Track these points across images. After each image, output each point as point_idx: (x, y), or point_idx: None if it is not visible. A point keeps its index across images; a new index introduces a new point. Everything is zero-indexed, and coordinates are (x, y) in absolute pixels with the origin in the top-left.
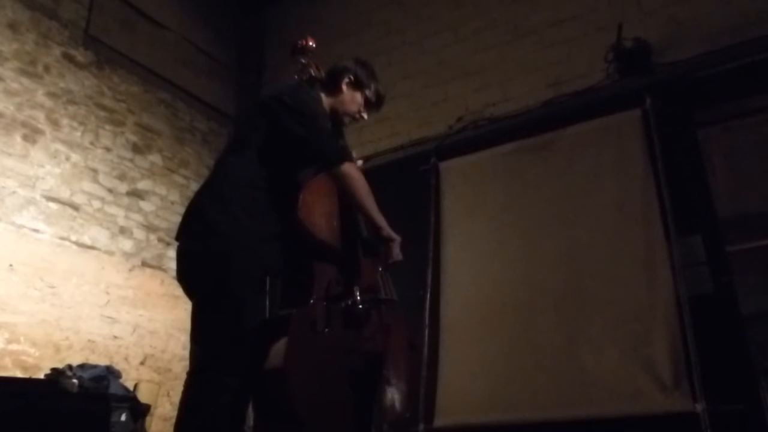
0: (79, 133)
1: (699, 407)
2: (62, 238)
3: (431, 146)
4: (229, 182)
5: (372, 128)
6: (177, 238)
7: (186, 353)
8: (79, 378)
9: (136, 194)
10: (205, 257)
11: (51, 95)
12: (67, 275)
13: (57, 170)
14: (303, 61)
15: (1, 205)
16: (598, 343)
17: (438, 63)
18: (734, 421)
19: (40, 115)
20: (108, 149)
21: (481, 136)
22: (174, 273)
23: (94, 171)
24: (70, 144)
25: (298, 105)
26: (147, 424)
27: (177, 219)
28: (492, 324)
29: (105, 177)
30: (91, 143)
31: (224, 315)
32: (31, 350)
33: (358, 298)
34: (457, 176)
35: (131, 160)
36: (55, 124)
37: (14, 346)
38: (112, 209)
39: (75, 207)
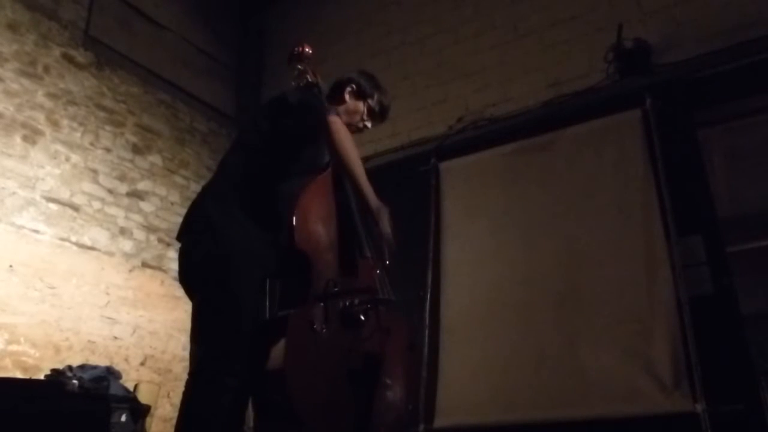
0: (79, 134)
1: (699, 407)
2: (62, 239)
3: (431, 146)
4: (231, 183)
5: (372, 128)
6: (178, 238)
7: (186, 354)
8: (79, 379)
9: (136, 195)
10: (206, 258)
11: (51, 96)
12: (67, 276)
13: (57, 171)
14: (300, 67)
15: (1, 206)
16: (598, 343)
17: (438, 63)
18: (734, 421)
19: (40, 116)
20: (108, 150)
21: (481, 137)
22: (174, 274)
23: (94, 172)
24: (70, 145)
25: (299, 99)
26: (147, 424)
27: (177, 220)
28: (492, 324)
29: (105, 178)
30: (91, 144)
31: (224, 316)
32: (32, 351)
33: (356, 299)
34: (457, 177)
35: (131, 161)
36: (55, 124)
37: (14, 347)
38: (112, 210)
39: (75, 208)
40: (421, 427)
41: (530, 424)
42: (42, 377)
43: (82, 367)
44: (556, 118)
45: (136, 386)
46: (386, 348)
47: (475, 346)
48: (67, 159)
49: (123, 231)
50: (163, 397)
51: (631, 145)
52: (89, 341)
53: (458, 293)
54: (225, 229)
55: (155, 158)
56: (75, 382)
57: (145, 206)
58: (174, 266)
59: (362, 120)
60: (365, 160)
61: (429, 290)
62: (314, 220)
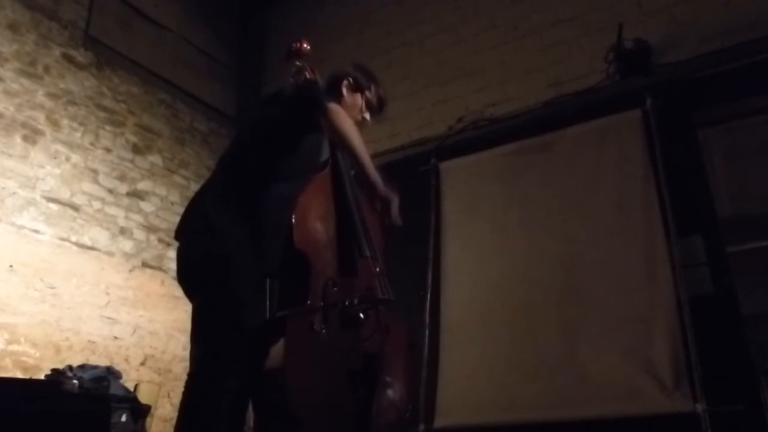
0: (79, 134)
1: (699, 407)
2: (62, 239)
3: (431, 147)
4: (230, 182)
5: (372, 128)
6: (176, 237)
7: (186, 354)
8: (80, 379)
9: (136, 195)
10: (206, 258)
11: (51, 96)
12: (68, 276)
13: (57, 171)
14: (298, 63)
15: (2, 206)
16: (598, 343)
17: (438, 63)
18: (735, 421)
19: (40, 116)
20: (108, 150)
21: (481, 137)
22: (174, 273)
23: (95, 172)
24: (70, 145)
25: (294, 91)
26: (147, 424)
27: (177, 220)
28: (492, 324)
29: (105, 178)
30: (91, 144)
31: (224, 316)
32: (32, 351)
33: (355, 299)
34: (457, 177)
35: (131, 161)
36: (55, 124)
37: (14, 347)
38: (112, 210)
39: (75, 208)
40: (421, 427)
41: (530, 424)
42: (42, 377)
43: (82, 367)
44: (557, 118)
45: (136, 386)
46: (386, 348)
47: (475, 346)
48: (68, 159)
49: (123, 231)
50: (164, 397)
51: (632, 146)
52: (89, 341)
53: (458, 293)
54: (224, 229)
55: (155, 158)
56: (75, 382)
57: (145, 206)
58: (174, 266)
59: (361, 113)
60: None
61: (429, 290)
62: (313, 220)
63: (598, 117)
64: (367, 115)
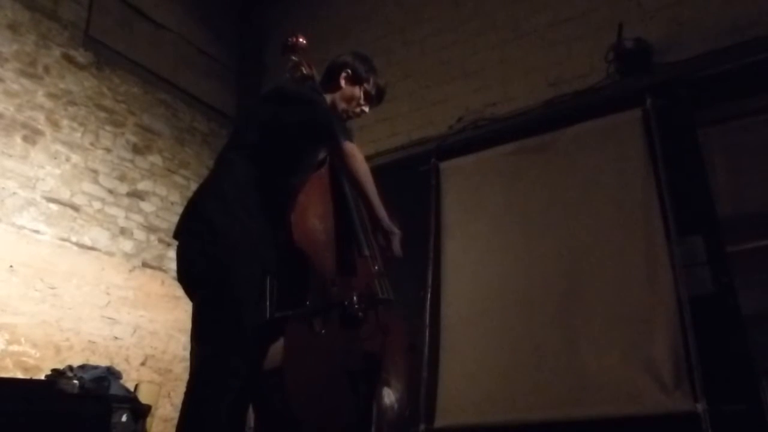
0: (79, 134)
1: (700, 407)
2: (63, 239)
3: (431, 146)
4: (229, 181)
5: (372, 128)
6: (175, 236)
7: (186, 354)
8: (80, 379)
9: (136, 195)
10: (206, 257)
11: (51, 96)
12: (68, 276)
13: (57, 171)
14: (294, 58)
15: (2, 207)
16: (598, 343)
17: (438, 63)
18: (735, 421)
19: (40, 116)
20: (108, 150)
21: (481, 136)
22: (174, 274)
23: (95, 172)
24: (70, 145)
25: (300, 95)
26: (148, 424)
27: (177, 220)
28: (493, 324)
29: (105, 178)
30: (92, 144)
31: (225, 316)
32: (32, 351)
33: (355, 298)
34: (457, 176)
35: (131, 161)
36: (55, 125)
37: (15, 347)
38: (113, 210)
39: (75, 208)
40: (422, 426)
41: (531, 424)
42: (43, 377)
43: (82, 367)
44: (557, 117)
45: (136, 386)
46: (385, 347)
47: (476, 346)
48: (68, 159)
49: (123, 231)
50: (164, 397)
51: (632, 145)
52: (90, 341)
53: (459, 293)
54: (225, 228)
55: (155, 158)
56: (75, 382)
57: (146, 206)
58: (174, 266)
59: (359, 105)
60: (365, 160)
61: (429, 290)
62: (312, 219)
63: (599, 117)
64: (366, 108)
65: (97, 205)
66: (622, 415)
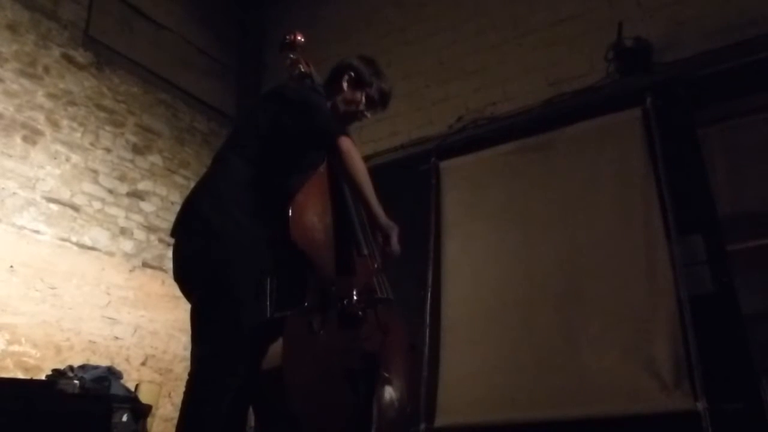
0: (79, 134)
1: (700, 406)
2: (63, 239)
3: (431, 146)
4: (227, 180)
5: (372, 128)
6: (172, 234)
7: (187, 354)
8: (81, 379)
9: (136, 195)
10: (203, 257)
11: (51, 96)
12: (68, 276)
13: (57, 171)
14: (292, 56)
15: (2, 207)
16: (598, 342)
17: (438, 62)
18: (735, 419)
19: (40, 117)
20: (108, 150)
21: (481, 136)
22: None
23: (95, 172)
24: (70, 145)
25: (299, 97)
26: (148, 424)
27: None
28: (493, 323)
29: (105, 178)
30: (91, 144)
31: (224, 315)
32: (32, 351)
33: (354, 298)
34: (457, 176)
35: (131, 161)
36: (55, 125)
37: (15, 348)
38: (113, 210)
39: (75, 208)
40: (422, 426)
41: (531, 423)
42: (43, 377)
43: (83, 367)
44: (557, 117)
45: (137, 386)
46: (385, 347)
47: (476, 345)
48: (68, 159)
49: (123, 231)
50: (164, 396)
51: (632, 144)
52: (90, 341)
53: (459, 292)
54: (222, 227)
55: (155, 158)
56: (76, 382)
57: (146, 206)
58: None
59: (360, 109)
60: (365, 159)
61: (429, 289)
62: (311, 217)
63: (598, 116)
64: (368, 113)
65: (97, 205)
66: (623, 414)
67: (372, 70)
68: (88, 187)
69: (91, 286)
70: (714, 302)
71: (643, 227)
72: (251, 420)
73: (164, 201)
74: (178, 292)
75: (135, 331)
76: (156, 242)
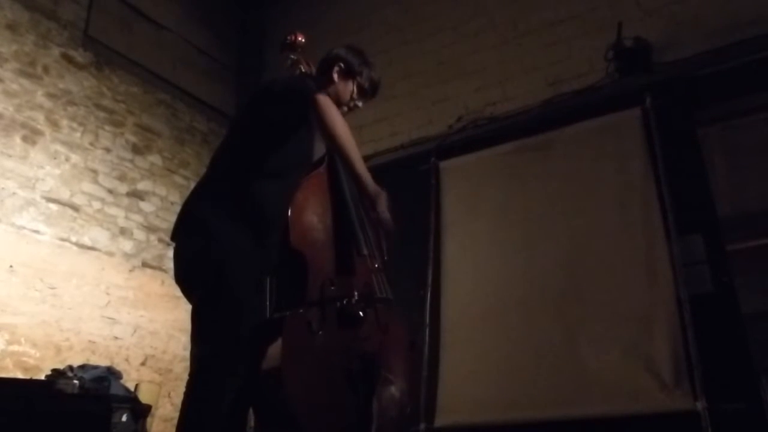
0: (78, 134)
1: (700, 406)
2: (62, 239)
3: (431, 145)
4: (225, 181)
5: (372, 128)
6: (172, 238)
7: (187, 354)
8: (80, 379)
9: (136, 195)
10: (203, 258)
11: (50, 96)
12: (68, 276)
13: (57, 171)
14: (293, 57)
15: (1, 207)
16: (598, 342)
17: (438, 62)
18: (735, 419)
19: (40, 116)
20: (108, 150)
21: (481, 136)
22: None
23: (94, 172)
24: (69, 145)
25: (286, 87)
26: (148, 424)
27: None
28: (493, 323)
29: (105, 178)
30: (91, 144)
31: (223, 316)
32: (32, 351)
33: (354, 298)
34: (457, 176)
35: (131, 161)
36: (54, 125)
37: (15, 348)
38: (112, 210)
39: (75, 208)
40: (422, 425)
41: (531, 423)
42: (43, 377)
43: (82, 367)
44: (556, 117)
45: (136, 386)
46: (385, 347)
47: (476, 345)
48: (67, 159)
49: (123, 231)
50: (164, 396)
51: (631, 144)
52: (90, 341)
53: (458, 292)
54: (219, 228)
55: (155, 158)
56: (76, 382)
57: (145, 206)
58: None
59: (352, 99)
60: (365, 159)
61: (429, 289)
62: (310, 217)
63: (598, 116)
64: (359, 102)
65: (96, 205)
66: (622, 414)
67: (361, 60)
68: (87, 187)
69: (90, 286)
70: (714, 302)
71: (643, 227)
72: (251, 420)
73: (164, 201)
74: (177, 292)
75: (135, 331)
76: (156, 242)
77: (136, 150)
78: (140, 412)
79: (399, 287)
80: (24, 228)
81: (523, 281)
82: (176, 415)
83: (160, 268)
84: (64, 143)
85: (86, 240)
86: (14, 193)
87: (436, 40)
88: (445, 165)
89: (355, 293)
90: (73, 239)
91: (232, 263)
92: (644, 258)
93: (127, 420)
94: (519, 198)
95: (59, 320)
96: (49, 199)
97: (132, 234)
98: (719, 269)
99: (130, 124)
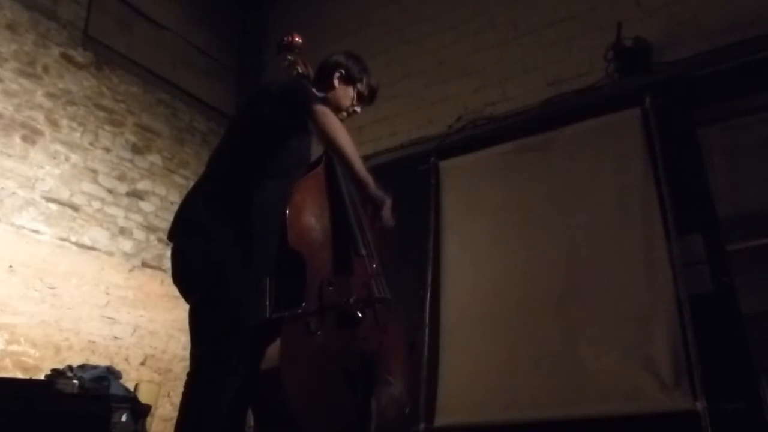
0: (78, 134)
1: (699, 406)
2: (62, 239)
3: (431, 145)
4: (223, 181)
5: (371, 128)
6: (170, 238)
7: (186, 353)
8: (80, 379)
9: (135, 195)
10: (200, 258)
11: (50, 96)
12: (67, 276)
13: (56, 171)
14: (290, 57)
15: (1, 207)
16: (598, 342)
17: (438, 62)
18: (735, 419)
19: (40, 116)
20: (107, 150)
21: (480, 136)
22: None
23: (94, 172)
24: (69, 145)
25: (278, 84)
26: (147, 424)
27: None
28: (492, 323)
29: (105, 177)
30: (91, 144)
31: (223, 315)
32: (32, 351)
33: (352, 298)
34: (456, 175)
35: (131, 161)
36: (54, 124)
37: (14, 347)
38: (112, 210)
39: (75, 208)
40: (422, 425)
41: (531, 423)
42: (42, 377)
43: (82, 367)
44: (556, 116)
45: (136, 386)
46: (384, 346)
47: (476, 345)
48: (67, 159)
49: (123, 231)
50: (164, 396)
51: (631, 144)
52: (89, 341)
53: (458, 292)
54: (217, 229)
55: (155, 158)
56: (75, 382)
57: (145, 206)
58: None
59: (352, 105)
60: (365, 159)
61: (429, 289)
62: (308, 218)
63: (598, 116)
64: (358, 108)
65: (96, 204)
66: (622, 414)
67: (360, 67)
68: (87, 186)
69: (90, 286)
70: (714, 302)
71: (643, 227)
72: (251, 420)
73: (164, 201)
74: (177, 292)
75: (134, 330)
76: (155, 242)
77: (136, 150)
78: (140, 411)
79: (398, 287)
80: (24, 228)
81: (523, 281)
82: (176, 414)
83: (159, 268)
84: (63, 143)
85: (86, 240)
86: (14, 193)
87: (436, 40)
88: (444, 165)
89: (354, 293)
90: (73, 239)
91: (232, 264)
92: (644, 258)
93: (126, 420)
94: (519, 198)
95: (59, 320)
96: (49, 199)
97: (132, 234)
98: (719, 269)
99: (129, 124)
